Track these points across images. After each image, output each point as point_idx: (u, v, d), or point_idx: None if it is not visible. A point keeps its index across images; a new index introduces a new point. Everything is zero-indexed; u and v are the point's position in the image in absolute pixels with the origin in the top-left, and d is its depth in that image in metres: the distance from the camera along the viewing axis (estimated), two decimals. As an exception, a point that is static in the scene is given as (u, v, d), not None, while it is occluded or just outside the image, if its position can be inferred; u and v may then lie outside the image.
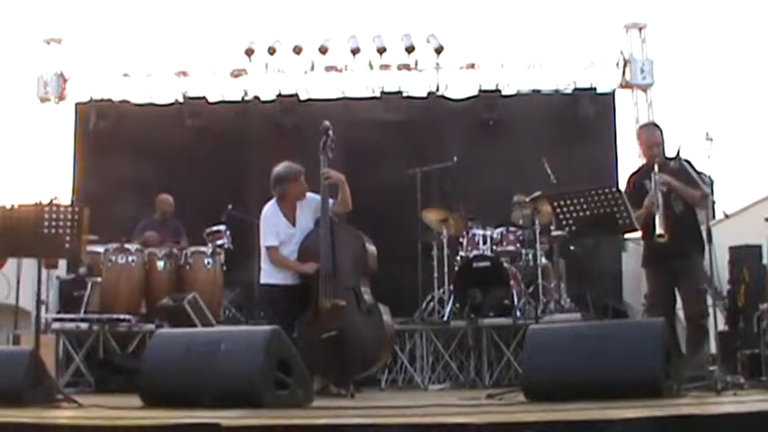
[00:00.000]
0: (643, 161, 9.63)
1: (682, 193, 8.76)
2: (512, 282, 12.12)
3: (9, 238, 8.32)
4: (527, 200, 12.00)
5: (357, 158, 13.31)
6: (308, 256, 9.32)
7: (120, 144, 15.53)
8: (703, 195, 8.87)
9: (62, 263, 13.47)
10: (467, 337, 12.05)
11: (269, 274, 9.52)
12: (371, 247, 9.48)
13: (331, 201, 9.42)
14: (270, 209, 9.59)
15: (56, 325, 12.08)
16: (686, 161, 9.12)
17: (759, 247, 12.33)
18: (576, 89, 15.97)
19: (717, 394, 7.28)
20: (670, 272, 9.11)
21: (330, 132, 9.55)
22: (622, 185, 9.74)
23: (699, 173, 9.01)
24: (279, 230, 9.45)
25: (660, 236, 8.61)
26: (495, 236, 12.62)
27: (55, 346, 11.96)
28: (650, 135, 9.28)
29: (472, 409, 6.77)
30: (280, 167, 9.63)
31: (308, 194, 9.63)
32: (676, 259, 8.91)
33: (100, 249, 12.04)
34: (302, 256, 9.40)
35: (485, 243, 12.56)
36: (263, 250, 9.58)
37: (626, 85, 16.32)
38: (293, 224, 9.51)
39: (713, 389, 7.40)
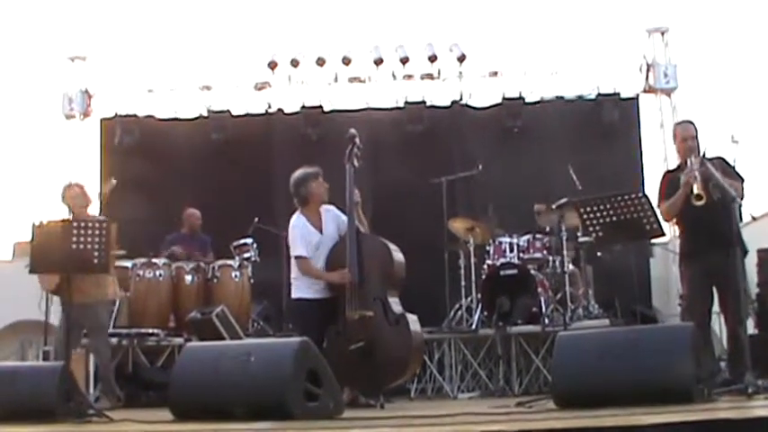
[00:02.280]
0: (678, 161, 9.52)
1: (720, 182, 8.53)
2: (539, 289, 12.10)
3: (40, 254, 8.38)
4: (553, 206, 11.98)
5: (382, 169, 13.34)
6: (337, 266, 9.31)
7: (145, 159, 15.55)
8: (737, 185, 8.73)
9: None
10: (495, 346, 12.02)
11: (300, 289, 9.50)
12: (399, 256, 9.44)
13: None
14: (296, 219, 9.59)
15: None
16: (722, 159, 9.10)
17: (788, 250, 12.26)
18: (599, 94, 15.92)
19: (748, 398, 7.25)
20: (708, 270, 8.93)
21: (356, 140, 9.53)
22: (648, 190, 9.71)
23: (736, 171, 8.98)
24: (308, 239, 9.44)
25: (698, 197, 8.49)
26: (521, 243, 12.60)
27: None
28: (684, 129, 9.24)
29: (503, 417, 6.77)
30: (297, 172, 9.64)
31: (330, 207, 9.62)
32: (715, 253, 8.66)
33: (128, 264, 12.07)
34: (331, 265, 9.39)
35: (511, 251, 12.55)
36: (293, 261, 9.58)
37: (649, 89, 16.27)
38: (320, 231, 9.51)
39: (744, 393, 7.37)
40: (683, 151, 9.12)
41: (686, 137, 9.14)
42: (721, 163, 8.97)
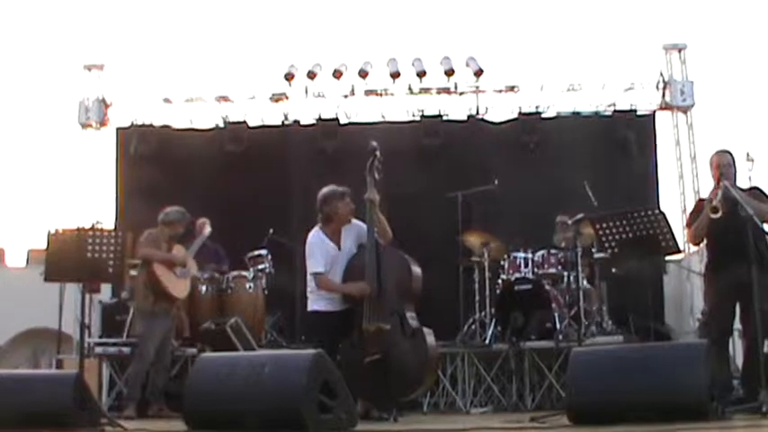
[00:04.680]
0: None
1: (748, 204, 8.51)
2: (553, 304, 12.09)
3: (55, 262, 8.39)
4: (570, 222, 11.95)
5: (397, 182, 13.30)
6: (355, 276, 9.28)
7: (161, 169, 15.56)
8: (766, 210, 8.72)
9: (105, 287, 13.53)
10: (509, 361, 12.03)
11: (316, 301, 9.45)
12: (417, 270, 9.39)
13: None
14: (315, 235, 9.54)
15: (98, 349, 12.16)
16: (758, 189, 9.07)
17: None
18: (615, 111, 15.88)
19: (762, 417, 7.24)
20: (732, 285, 8.84)
21: (377, 153, 9.48)
22: (663, 207, 9.68)
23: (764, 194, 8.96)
24: (327, 255, 9.39)
25: (714, 209, 8.50)
26: (536, 258, 12.59)
27: (98, 370, 12.02)
28: (720, 157, 9.17)
29: (516, 432, 6.77)
30: (325, 189, 9.60)
31: (352, 220, 9.61)
32: (740, 268, 8.54)
33: (142, 273, 12.06)
34: (349, 276, 9.35)
35: (526, 266, 12.53)
36: (309, 277, 9.55)
37: (666, 106, 16.22)
38: (339, 247, 9.48)
39: (759, 412, 7.36)
40: (718, 178, 9.06)
41: (721, 163, 9.08)
42: (756, 192, 8.96)
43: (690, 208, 11.37)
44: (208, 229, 12.07)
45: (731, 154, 9.20)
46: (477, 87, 16.19)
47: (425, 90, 16.25)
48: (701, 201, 9.71)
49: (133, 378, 10.87)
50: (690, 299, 15.03)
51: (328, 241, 9.44)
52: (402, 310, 9.11)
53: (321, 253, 9.40)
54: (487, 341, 12.22)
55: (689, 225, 9.29)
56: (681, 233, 9.92)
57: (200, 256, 12.99)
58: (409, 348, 9.04)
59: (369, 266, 9.16)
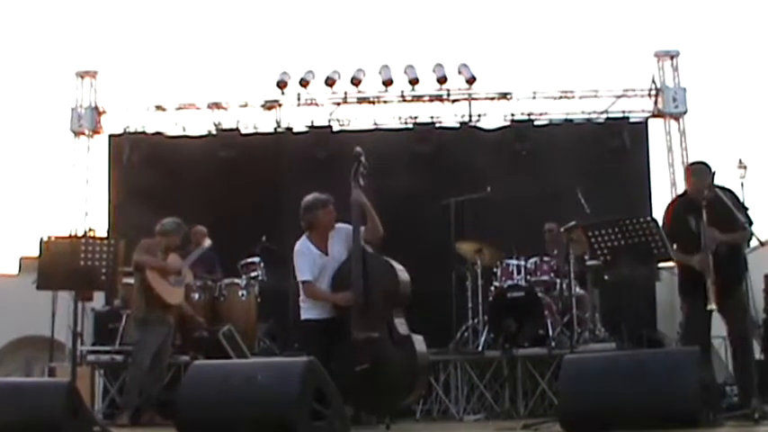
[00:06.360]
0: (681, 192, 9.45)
1: (729, 242, 8.56)
2: (546, 312, 12.09)
3: (48, 270, 8.39)
4: (562, 229, 11.96)
5: (390, 190, 13.31)
6: (343, 285, 9.20)
7: (154, 176, 15.54)
8: (743, 235, 8.72)
9: (98, 295, 13.49)
10: (501, 368, 12.03)
11: (308, 310, 9.39)
12: (404, 276, 9.32)
13: (362, 228, 9.35)
14: (301, 244, 9.49)
15: (91, 357, 12.14)
16: (721, 188, 8.99)
17: (795, 275, 12.23)
18: (608, 118, 15.93)
19: (754, 423, 7.25)
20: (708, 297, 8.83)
21: (362, 159, 9.45)
22: (656, 214, 9.64)
23: (737, 199, 8.92)
24: (313, 263, 9.36)
25: (712, 310, 8.50)
26: (529, 266, 12.59)
27: (90, 378, 12.00)
28: (699, 179, 8.93)
29: (509, 439, 6.79)
30: (308, 197, 9.58)
31: (339, 224, 9.58)
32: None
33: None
34: (336, 286, 9.28)
35: (519, 273, 12.54)
36: (300, 286, 9.54)
37: (658, 113, 16.26)
38: (326, 253, 9.45)
39: (751, 418, 7.37)
40: (695, 193, 8.94)
41: (700, 188, 8.89)
42: (731, 197, 8.91)
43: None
44: (208, 242, 12.06)
45: (709, 168, 9.02)
46: (470, 95, 16.24)
47: (418, 97, 16.30)
48: (673, 204, 9.62)
49: (129, 386, 10.88)
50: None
51: (314, 249, 9.40)
52: (390, 318, 9.05)
53: (307, 261, 9.35)
54: (480, 348, 12.21)
55: (667, 224, 9.17)
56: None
57: (197, 264, 13.01)
58: (399, 356, 8.98)
59: (355, 275, 9.11)
